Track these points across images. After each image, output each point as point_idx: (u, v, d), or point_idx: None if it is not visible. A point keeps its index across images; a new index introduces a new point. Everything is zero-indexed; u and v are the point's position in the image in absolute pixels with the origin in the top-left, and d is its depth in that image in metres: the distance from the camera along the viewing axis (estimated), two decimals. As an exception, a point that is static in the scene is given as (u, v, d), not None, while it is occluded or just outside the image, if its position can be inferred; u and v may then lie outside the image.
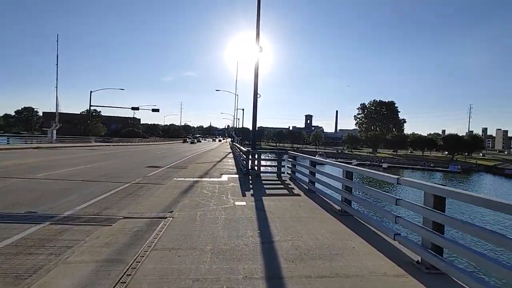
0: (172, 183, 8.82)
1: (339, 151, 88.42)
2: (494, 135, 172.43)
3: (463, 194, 2.91)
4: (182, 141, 74.16)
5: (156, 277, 2.92)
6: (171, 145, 52.78)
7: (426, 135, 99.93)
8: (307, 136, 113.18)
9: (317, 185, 7.79)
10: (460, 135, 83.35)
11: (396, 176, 3.92)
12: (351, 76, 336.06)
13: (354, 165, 6.09)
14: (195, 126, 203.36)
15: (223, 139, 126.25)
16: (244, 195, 7.39)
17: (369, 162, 64.18)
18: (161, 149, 33.27)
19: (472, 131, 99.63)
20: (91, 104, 45.03)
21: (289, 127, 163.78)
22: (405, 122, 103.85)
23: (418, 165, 61.91)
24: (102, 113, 79.89)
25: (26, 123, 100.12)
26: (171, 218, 5.00)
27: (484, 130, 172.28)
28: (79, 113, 77.90)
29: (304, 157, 10.04)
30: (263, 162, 11.78)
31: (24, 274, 3.01)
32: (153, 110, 52.24)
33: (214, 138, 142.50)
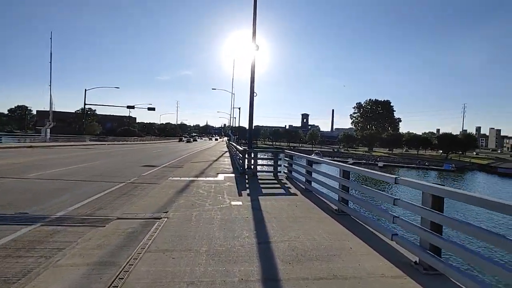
0: (168, 183, 8.72)
1: (335, 150, 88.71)
2: (487, 134, 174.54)
3: (462, 194, 2.87)
4: (178, 140, 73.58)
5: (150, 280, 2.84)
6: (167, 144, 52.46)
7: (421, 134, 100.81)
8: (303, 135, 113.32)
9: (313, 184, 7.75)
10: (454, 134, 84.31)
11: (394, 176, 3.88)
12: (347, 76, 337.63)
13: (350, 164, 6.06)
14: (192, 125, 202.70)
15: (220, 138, 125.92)
16: (240, 194, 7.33)
17: (365, 161, 64.53)
18: (157, 148, 33.02)
19: (466, 130, 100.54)
20: (86, 102, 44.55)
21: (285, 126, 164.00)
22: (401, 121, 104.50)
23: (413, 163, 62.40)
24: (98, 112, 79.10)
25: (19, 121, 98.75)
26: (166, 219, 4.92)
27: (478, 129, 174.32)
28: (74, 111, 77.01)
29: (301, 156, 9.99)
30: (259, 161, 11.72)
31: (13, 278, 2.91)
32: (149, 108, 51.90)
33: (210, 137, 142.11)
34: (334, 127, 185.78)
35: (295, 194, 7.58)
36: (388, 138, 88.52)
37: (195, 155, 22.68)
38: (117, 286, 2.70)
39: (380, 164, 58.70)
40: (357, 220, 5.06)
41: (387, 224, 4.94)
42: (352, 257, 3.54)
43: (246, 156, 11.34)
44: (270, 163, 11.82)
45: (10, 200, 6.13)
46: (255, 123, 13.14)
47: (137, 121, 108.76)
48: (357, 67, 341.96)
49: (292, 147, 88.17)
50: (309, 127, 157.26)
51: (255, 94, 11.89)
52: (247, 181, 9.67)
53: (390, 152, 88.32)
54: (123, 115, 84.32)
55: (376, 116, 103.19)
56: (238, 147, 15.83)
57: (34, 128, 68.22)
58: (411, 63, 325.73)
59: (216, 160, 17.97)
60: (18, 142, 30.15)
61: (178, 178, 9.69)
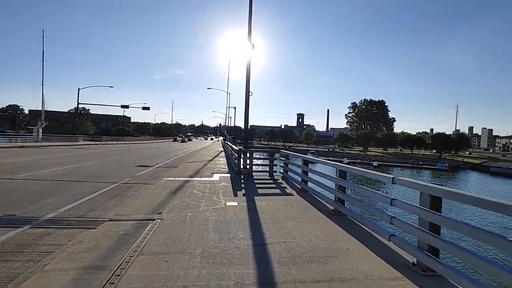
0: (162, 183, 8.59)
1: (331, 150, 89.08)
2: (479, 133, 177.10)
3: (461, 194, 2.83)
4: (172, 140, 72.94)
5: (141, 285, 2.74)
6: (161, 144, 52.04)
7: (415, 133, 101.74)
8: (299, 135, 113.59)
9: (310, 184, 7.70)
10: (448, 134, 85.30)
11: (391, 176, 3.83)
12: (343, 75, 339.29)
13: (345, 163, 6.01)
14: (187, 125, 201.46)
15: (215, 137, 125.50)
16: (235, 195, 7.24)
17: (360, 160, 64.90)
18: (151, 148, 32.72)
19: (458, 130, 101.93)
20: (80, 102, 43.96)
21: (281, 125, 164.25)
22: (395, 121, 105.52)
23: (408, 163, 62.94)
24: (92, 112, 78.10)
25: (11, 121, 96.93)
26: (160, 220, 4.81)
27: (470, 129, 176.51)
28: (67, 111, 75.90)
29: (297, 155, 9.94)
30: (255, 161, 11.64)
31: (-2, 284, 2.79)
32: (144, 108, 51.54)
33: (206, 136, 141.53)
34: (330, 126, 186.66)
35: (291, 194, 7.52)
36: (382, 138, 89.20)
37: (190, 155, 22.51)
38: (107, 292, 2.60)
39: (375, 163, 59.08)
40: (354, 221, 5.01)
41: (384, 225, 4.90)
42: (349, 259, 3.49)
43: (242, 155, 11.25)
44: (265, 163, 11.75)
45: (-1, 201, 5.96)
46: (250, 123, 13.06)
47: (132, 120, 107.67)
48: (352, 66, 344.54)
49: (287, 147, 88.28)
50: (305, 126, 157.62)
51: (250, 93, 11.81)
52: (242, 181, 9.58)
53: (385, 151, 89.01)
54: (117, 114, 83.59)
55: (371, 116, 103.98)
56: (233, 146, 15.72)
57: (26, 128, 67.00)
58: (405, 63, 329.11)
59: (211, 160, 17.83)
60: (9, 142, 29.59)
61: (173, 178, 9.56)
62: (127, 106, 50.26)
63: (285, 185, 9.01)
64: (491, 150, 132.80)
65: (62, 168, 11.52)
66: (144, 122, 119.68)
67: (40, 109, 38.33)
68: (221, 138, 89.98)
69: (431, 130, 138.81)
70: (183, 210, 5.54)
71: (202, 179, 9.72)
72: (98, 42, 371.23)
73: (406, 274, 3.10)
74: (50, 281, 2.75)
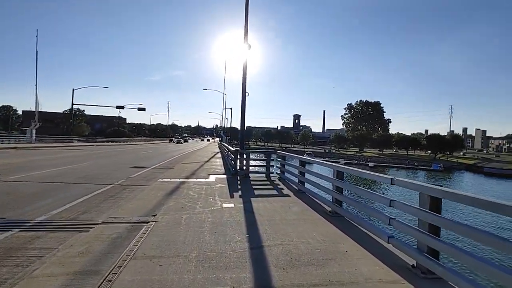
0: (157, 185, 8.46)
1: (327, 151, 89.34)
2: (473, 134, 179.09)
3: (461, 195, 2.78)
4: (168, 141, 72.45)
5: (134, 290, 2.65)
6: (157, 145, 51.71)
7: (410, 134, 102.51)
8: (295, 136, 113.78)
9: (307, 185, 7.64)
10: (442, 134, 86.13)
11: (390, 177, 3.78)
12: (339, 76, 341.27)
13: (342, 164, 5.96)
14: (183, 126, 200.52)
15: (212, 138, 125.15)
16: (232, 196, 7.15)
17: (356, 161, 65.15)
18: (147, 149, 32.45)
19: (453, 131, 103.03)
20: (75, 102, 43.50)
21: (277, 127, 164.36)
22: (390, 122, 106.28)
23: (403, 164, 63.37)
24: (86, 112, 77.18)
25: (4, 122, 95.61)
26: (154, 223, 4.70)
27: (464, 130, 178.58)
28: (61, 112, 75.01)
29: (293, 156, 9.88)
30: (251, 162, 11.56)
31: (-17, 291, 2.67)
32: (139, 109, 51.14)
33: (202, 137, 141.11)
34: (326, 128, 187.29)
35: (288, 195, 7.45)
36: (378, 139, 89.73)
37: (187, 156, 22.34)
38: (98, 298, 2.50)
39: (371, 164, 59.36)
40: (352, 222, 4.95)
41: (382, 226, 4.85)
42: (348, 261, 3.42)
43: (238, 156, 11.16)
44: (262, 164, 11.68)
45: (-12, 204, 5.79)
46: (247, 124, 12.98)
47: (127, 121, 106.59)
48: (347, 67, 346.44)
49: (284, 148, 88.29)
50: (301, 127, 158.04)
51: (247, 94, 11.73)
52: (239, 182, 9.49)
53: (381, 152, 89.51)
54: (113, 115, 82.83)
55: (367, 117, 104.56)
56: (230, 147, 15.63)
57: (19, 129, 66.05)
58: (400, 65, 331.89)
59: (207, 161, 17.71)
60: (2, 143, 29.10)
61: (168, 180, 9.43)
62: (122, 107, 49.84)
63: (282, 186, 8.94)
64: (484, 151, 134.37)
65: (56, 169, 11.32)
66: (140, 123, 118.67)
67: (34, 109, 37.81)
68: (217, 139, 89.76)
69: (426, 131, 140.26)
70: (178, 212, 5.43)
71: (198, 180, 9.61)
72: (98, 42, 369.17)
73: (405, 277, 3.04)
74: (38, 287, 2.64)
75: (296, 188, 8.27)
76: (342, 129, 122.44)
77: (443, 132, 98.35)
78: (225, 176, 10.81)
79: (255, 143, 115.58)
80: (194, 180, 9.63)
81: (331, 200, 5.71)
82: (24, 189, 7.32)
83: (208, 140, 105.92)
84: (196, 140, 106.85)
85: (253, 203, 6.41)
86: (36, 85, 36.78)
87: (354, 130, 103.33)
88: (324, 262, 3.39)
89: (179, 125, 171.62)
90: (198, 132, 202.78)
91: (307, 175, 7.75)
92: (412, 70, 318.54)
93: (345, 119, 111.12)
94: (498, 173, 53.77)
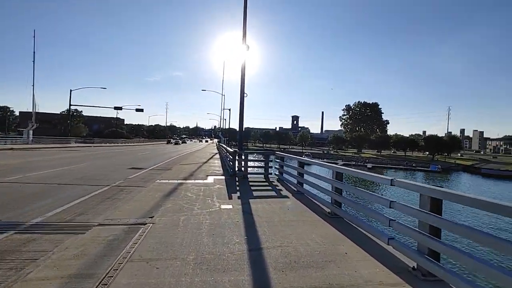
0: (155, 186, 8.40)
1: (325, 152, 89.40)
2: (471, 136, 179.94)
3: (462, 196, 2.75)
4: (166, 142, 72.20)
5: (130, 294, 2.59)
6: (155, 146, 51.53)
7: (408, 136, 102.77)
8: (293, 137, 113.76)
9: (305, 186, 7.60)
10: (440, 136, 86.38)
11: (390, 178, 3.75)
12: (337, 77, 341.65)
13: (340, 165, 5.92)
14: (181, 127, 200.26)
15: (210, 139, 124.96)
16: (230, 197, 7.10)
17: (354, 162, 65.21)
18: (145, 150, 32.32)
19: (451, 132, 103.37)
20: (72, 103, 43.32)
21: (276, 128, 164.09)
22: (388, 123, 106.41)
23: (401, 165, 63.46)
24: (84, 113, 76.90)
25: (1, 123, 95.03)
26: (151, 224, 4.64)
27: (462, 131, 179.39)
28: (59, 113, 74.65)
29: (292, 157, 9.85)
30: (250, 163, 11.51)
31: (-25, 295, 2.61)
32: (137, 110, 50.91)
33: (200, 139, 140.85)
34: (324, 129, 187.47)
35: (286, 197, 7.40)
36: (376, 140, 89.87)
37: (185, 157, 22.26)
38: (93, 302, 2.44)
39: (369, 165, 59.39)
40: (351, 223, 4.92)
41: (382, 228, 4.81)
42: (347, 263, 3.38)
43: (237, 157, 11.11)
44: (261, 165, 11.63)
45: (-17, 205, 5.71)
46: (245, 125, 12.94)
47: (126, 122, 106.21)
48: (348, 69, 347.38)
49: (282, 149, 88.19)
50: (299, 129, 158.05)
51: (245, 95, 11.70)
52: (237, 183, 9.44)
53: (379, 153, 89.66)
54: (110, 116, 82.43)
55: (365, 118, 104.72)
56: (228, 148, 15.57)
57: (16, 130, 65.64)
58: (398, 66, 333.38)
59: (206, 162, 17.64)
60: (-2, 144, 28.89)
61: (166, 181, 9.37)
62: (120, 108, 49.65)
63: (280, 187, 8.90)
64: (482, 152, 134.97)
65: (53, 170, 11.22)
66: (138, 124, 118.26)
67: (31, 110, 37.57)
68: (215, 140, 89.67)
69: (424, 132, 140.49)
70: (176, 213, 5.38)
71: (196, 181, 9.55)
72: (97, 42, 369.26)
73: (406, 279, 3.00)
74: (31, 291, 2.58)
75: (295, 189, 8.23)
76: (340, 130, 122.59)
77: (441, 133, 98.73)
78: (223, 177, 10.76)
79: (253, 144, 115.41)
80: (192, 181, 9.57)
81: (330, 201, 5.67)
82: (21, 190, 7.24)
83: (206, 141, 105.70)
84: (195, 141, 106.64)
85: (251, 204, 6.36)
86: (33, 86, 36.48)
87: (352, 131, 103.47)
88: (324, 264, 3.35)
89: (177, 126, 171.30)
90: (196, 133, 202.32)
91: (305, 176, 7.71)
92: (412, 71, 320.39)
93: (343, 120, 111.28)
94: (495, 174, 53.96)
